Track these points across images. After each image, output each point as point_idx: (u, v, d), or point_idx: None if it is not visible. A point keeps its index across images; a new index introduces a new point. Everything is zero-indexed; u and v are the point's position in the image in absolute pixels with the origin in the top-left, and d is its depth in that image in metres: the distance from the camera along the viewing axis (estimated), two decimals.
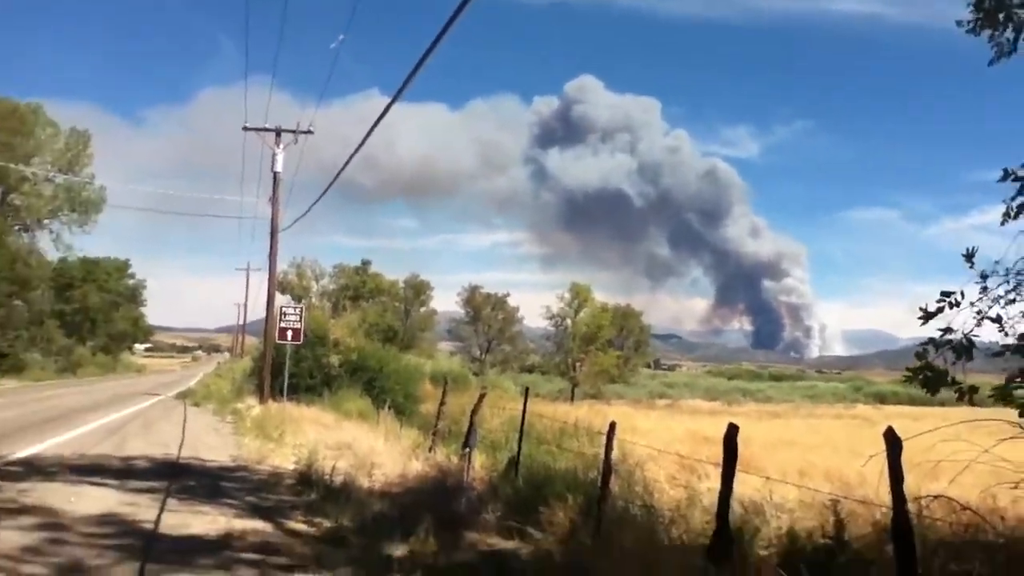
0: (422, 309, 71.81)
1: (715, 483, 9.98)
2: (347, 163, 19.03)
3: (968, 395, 4.98)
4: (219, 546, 7.95)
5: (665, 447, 15.96)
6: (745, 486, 8.48)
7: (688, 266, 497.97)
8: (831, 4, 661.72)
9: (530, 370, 77.42)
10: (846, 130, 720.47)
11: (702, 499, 9.64)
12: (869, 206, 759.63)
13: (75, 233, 54.93)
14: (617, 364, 72.90)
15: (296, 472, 12.68)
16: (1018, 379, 5.03)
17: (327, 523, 9.04)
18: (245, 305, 77.63)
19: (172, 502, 10.07)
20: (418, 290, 71.27)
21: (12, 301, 50.18)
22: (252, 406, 25.19)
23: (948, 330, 5.20)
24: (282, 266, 48.84)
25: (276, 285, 30.34)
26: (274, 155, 27.87)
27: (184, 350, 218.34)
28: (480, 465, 11.97)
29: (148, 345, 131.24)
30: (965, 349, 5.13)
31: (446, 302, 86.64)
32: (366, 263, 69.33)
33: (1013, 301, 5.31)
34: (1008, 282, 5.35)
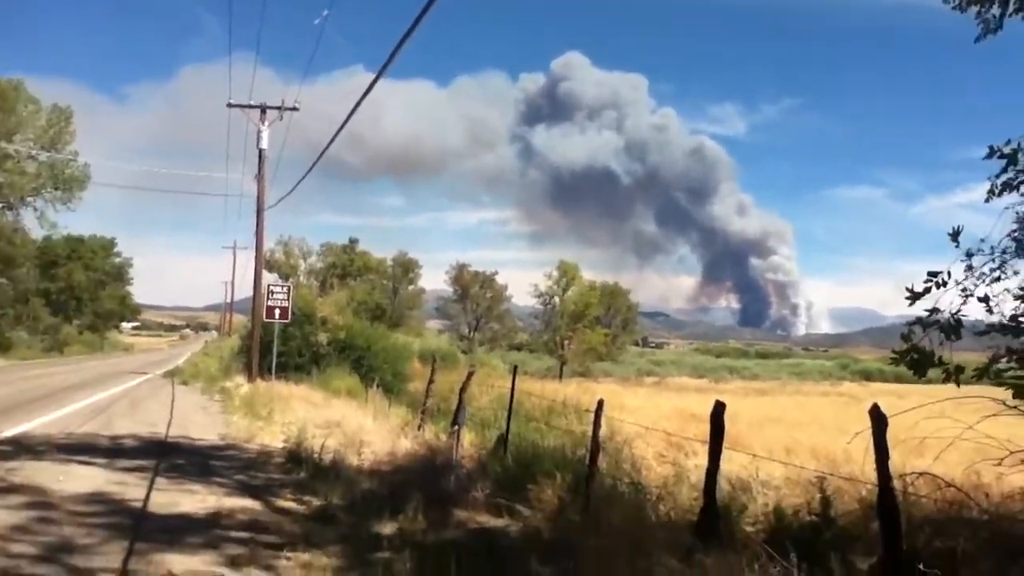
0: (410, 287, 71.72)
1: (702, 460, 10.05)
2: (332, 140, 18.91)
3: (955, 376, 5.00)
4: (208, 524, 7.96)
5: (653, 424, 16.04)
6: (732, 463, 8.55)
7: (675, 244, 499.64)
8: None
9: (518, 348, 77.57)
10: (832, 108, 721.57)
11: (689, 476, 9.71)
12: (855, 184, 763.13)
13: (59, 211, 54.45)
14: (605, 342, 73.06)
15: (285, 450, 12.68)
16: (1003, 358, 5.06)
17: (316, 501, 9.06)
18: (232, 283, 77.53)
19: (161, 481, 10.06)
20: (406, 268, 71.13)
21: None
22: (240, 384, 25.14)
23: (935, 310, 5.21)
24: (269, 244, 48.66)
25: (263, 263, 30.24)
26: (259, 132, 27.65)
27: (172, 328, 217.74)
28: (469, 443, 12.02)
29: (135, 324, 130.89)
30: (953, 329, 5.14)
31: (434, 280, 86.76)
32: (354, 241, 69.13)
33: (998, 279, 5.33)
34: (993, 260, 5.37)
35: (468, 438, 12.08)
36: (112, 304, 79.06)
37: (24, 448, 11.98)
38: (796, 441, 15.84)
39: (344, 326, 29.28)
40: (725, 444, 6.88)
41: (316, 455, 11.30)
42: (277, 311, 25.62)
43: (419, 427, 14.26)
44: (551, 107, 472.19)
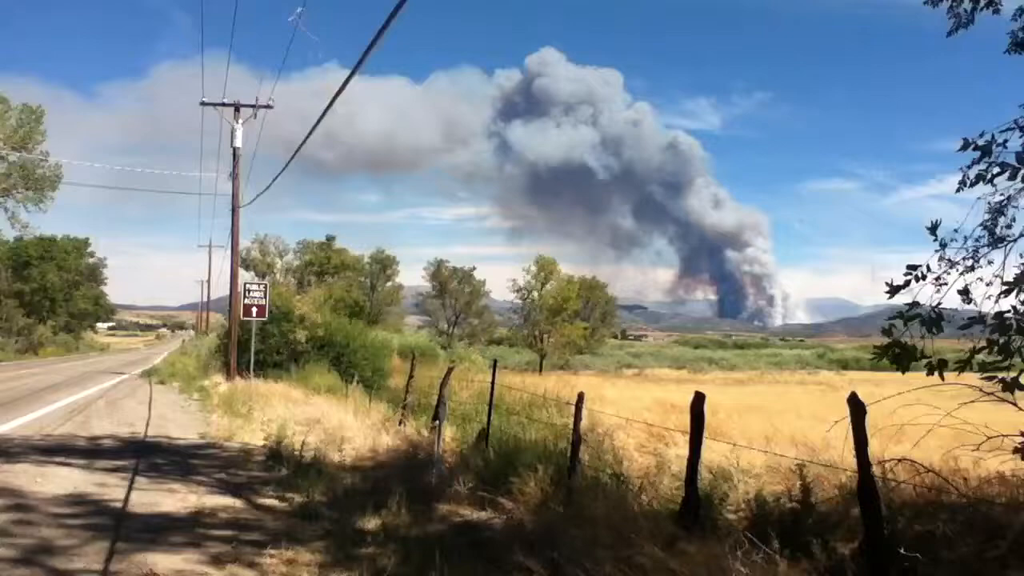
0: (388, 284, 71.49)
1: (683, 450, 10.13)
2: (307, 137, 18.75)
3: (939, 369, 5.03)
4: (190, 524, 7.92)
5: (633, 416, 16.13)
6: (713, 452, 8.63)
7: (652, 237, 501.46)
8: None
9: (498, 343, 77.64)
10: (805, 101, 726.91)
11: (670, 466, 9.78)
12: (829, 177, 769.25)
13: (31, 211, 53.78)
14: (584, 335, 73.22)
15: (266, 448, 12.63)
16: (984, 350, 5.10)
17: (298, 498, 9.03)
18: (208, 282, 76.82)
19: (141, 481, 9.99)
20: (384, 265, 70.90)
21: None
22: (219, 383, 25.01)
23: (915, 304, 5.25)
24: (245, 243, 48.32)
25: (239, 262, 30.07)
26: (233, 130, 27.47)
27: (148, 328, 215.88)
28: (450, 437, 12.02)
29: (111, 324, 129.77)
30: (934, 322, 5.18)
31: (412, 276, 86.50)
32: (331, 238, 68.66)
33: (972, 268, 5.39)
34: (967, 250, 5.42)
35: (449, 433, 12.08)
36: (86, 304, 78.32)
37: (0, 451, 11.85)
38: (775, 429, 15.96)
39: (322, 323, 29.18)
40: (706, 434, 6.93)
41: (297, 452, 11.26)
42: (254, 309, 25.49)
43: (400, 423, 14.25)
44: (527, 103, 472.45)
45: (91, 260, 79.65)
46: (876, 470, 5.20)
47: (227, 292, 28.81)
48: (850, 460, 6.06)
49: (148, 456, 12.00)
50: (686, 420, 6.98)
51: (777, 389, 42.04)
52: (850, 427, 5.13)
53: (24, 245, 67.21)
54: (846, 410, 5.15)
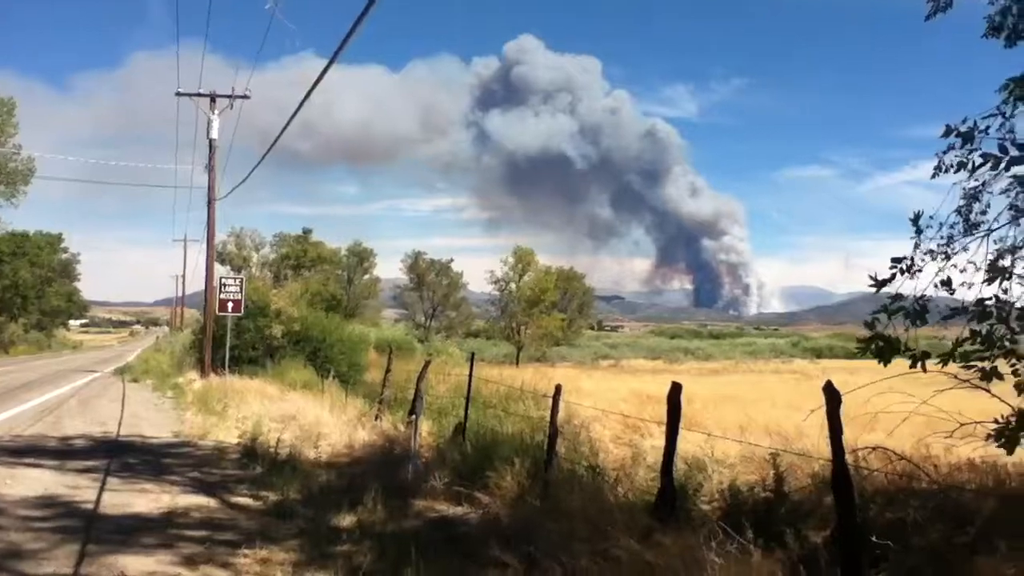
0: (365, 277, 71.07)
1: (658, 441, 10.15)
2: (285, 128, 18.57)
3: (921, 361, 5.05)
4: (163, 524, 7.85)
5: (609, 407, 16.16)
6: (687, 443, 8.64)
7: (629, 227, 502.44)
8: None
9: (475, 335, 77.54)
10: (782, 88, 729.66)
11: (646, 457, 9.81)
12: (805, 164, 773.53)
13: (3, 206, 53.01)
14: (561, 327, 73.26)
15: (240, 446, 12.54)
16: (967, 340, 5.12)
17: (273, 496, 8.97)
18: (183, 277, 76.12)
19: (113, 481, 9.89)
20: (361, 257, 70.49)
21: None
22: (193, 380, 24.81)
23: (899, 296, 5.26)
24: (221, 236, 47.81)
25: (215, 256, 29.80)
26: (209, 121, 27.16)
27: (121, 325, 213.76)
28: (427, 432, 11.99)
29: (84, 321, 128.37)
30: (918, 314, 5.20)
31: (390, 269, 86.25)
32: (307, 231, 68.12)
33: (947, 256, 5.41)
34: (942, 237, 5.45)
35: (426, 427, 12.05)
36: (59, 301, 77.31)
37: None
38: (750, 419, 16.05)
39: (299, 318, 28.97)
40: (681, 424, 6.95)
41: (272, 449, 11.20)
42: (230, 304, 25.28)
43: (376, 418, 14.19)
44: (505, 91, 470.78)
45: (64, 256, 78.62)
46: (849, 458, 5.22)
47: (202, 287, 28.56)
48: (823, 449, 6.09)
49: (121, 456, 11.87)
50: (661, 411, 6.99)
51: (752, 378, 42.36)
52: (825, 416, 5.15)
53: None
54: (820, 399, 5.17)
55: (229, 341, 25.44)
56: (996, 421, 5.10)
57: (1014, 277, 5.17)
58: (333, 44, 10.91)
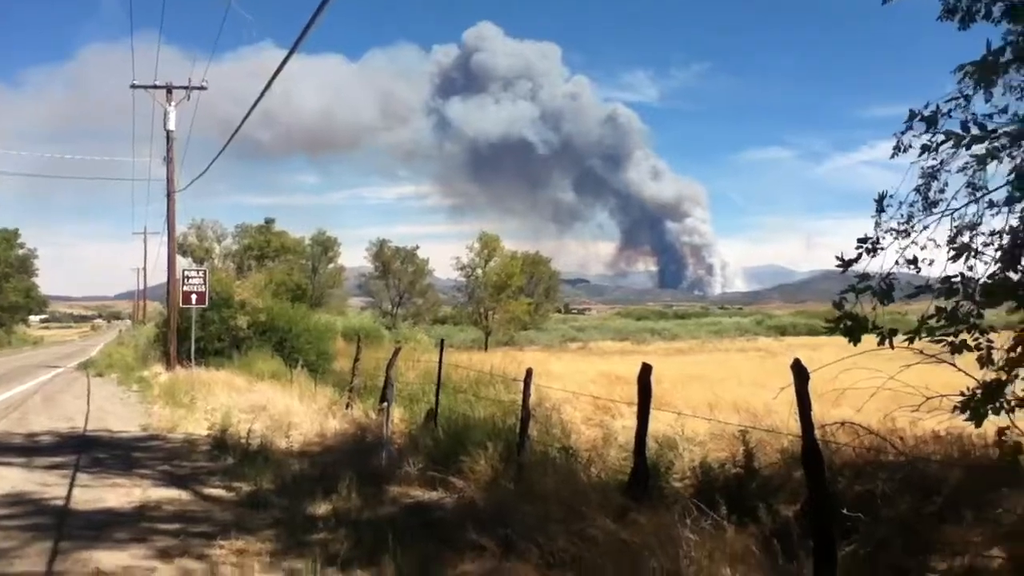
0: (330, 266, 70.58)
1: (628, 421, 10.26)
2: (245, 119, 18.34)
3: (889, 339, 5.14)
4: (136, 518, 7.79)
5: (579, 389, 16.28)
6: (658, 422, 8.74)
7: (593, 211, 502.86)
8: None
9: (443, 321, 77.39)
10: (741, 72, 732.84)
11: (617, 437, 9.92)
12: (765, 146, 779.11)
13: None
14: (528, 311, 73.36)
15: (210, 437, 12.46)
16: (933, 317, 5.22)
17: (246, 487, 8.94)
18: (144, 270, 75.12)
19: (83, 477, 9.78)
20: (325, 247, 69.98)
21: None
22: (159, 373, 24.55)
23: (866, 276, 5.35)
24: (182, 228, 47.21)
25: (176, 248, 29.46)
26: (166, 113, 26.84)
27: (83, 319, 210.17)
28: (399, 419, 12.00)
29: (44, 316, 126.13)
30: (885, 293, 5.29)
31: (355, 257, 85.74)
32: (269, 221, 67.50)
33: (907, 233, 5.51)
34: (902, 215, 5.55)
35: (398, 414, 12.06)
36: (17, 297, 75.95)
37: None
38: (718, 397, 16.24)
39: (264, 308, 28.77)
40: (651, 404, 7.02)
41: (243, 440, 11.13)
42: (193, 296, 25.07)
43: (347, 406, 14.17)
44: (465, 79, 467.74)
45: (21, 251, 77.23)
46: (818, 433, 5.32)
47: (165, 280, 28.24)
48: (791, 425, 6.21)
49: (89, 451, 11.74)
50: (631, 392, 7.07)
51: (718, 357, 42.73)
52: (794, 393, 5.23)
53: None
54: (786, 376, 5.24)
55: (194, 333, 25.23)
56: (962, 394, 5.22)
57: (978, 255, 5.29)
58: (290, 34, 10.84)
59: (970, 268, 5.25)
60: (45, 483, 9.36)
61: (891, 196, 5.53)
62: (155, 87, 26.82)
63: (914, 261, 5.34)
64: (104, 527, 7.39)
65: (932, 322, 5.23)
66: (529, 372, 9.01)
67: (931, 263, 5.36)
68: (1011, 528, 4.79)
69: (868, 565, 4.89)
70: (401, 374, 14.96)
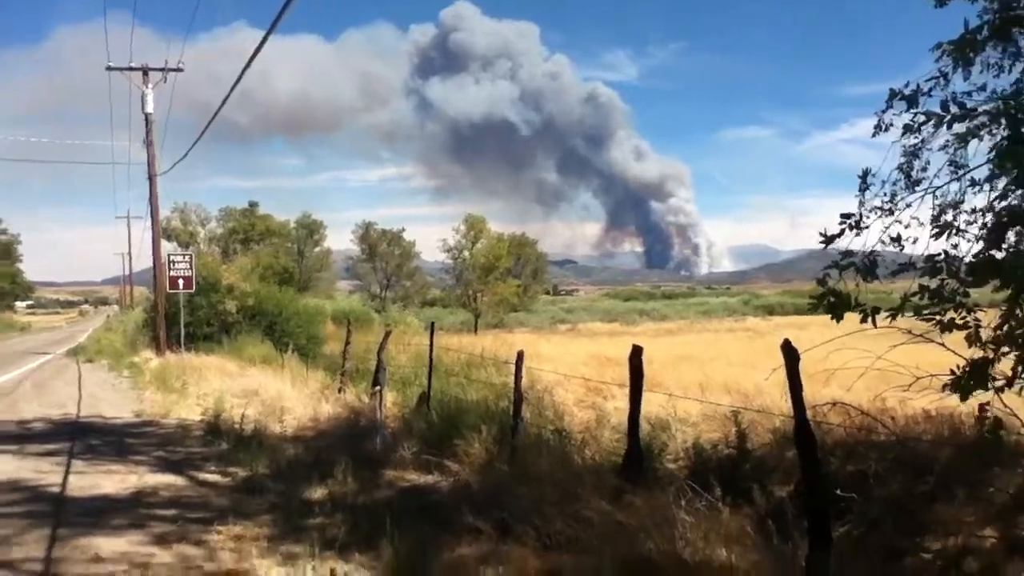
0: (316, 249, 70.30)
1: (620, 403, 10.31)
2: (224, 101, 18.17)
3: (872, 316, 5.17)
4: (133, 504, 7.82)
5: (570, 371, 16.32)
6: (650, 404, 8.80)
7: (578, 191, 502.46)
8: None
9: (432, 304, 77.32)
10: (719, 50, 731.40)
11: (610, 419, 9.97)
12: (745, 125, 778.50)
13: None
14: (517, 293, 73.44)
15: (204, 423, 12.48)
16: (916, 295, 5.26)
17: (242, 472, 8.97)
18: (129, 255, 74.85)
19: (78, 463, 9.79)
20: (311, 230, 69.66)
21: None
22: (149, 359, 24.50)
23: (849, 252, 5.38)
24: (165, 212, 46.99)
25: (160, 232, 29.32)
26: (143, 95, 26.64)
27: (69, 305, 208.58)
28: (392, 402, 12.03)
29: (30, 302, 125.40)
30: (868, 270, 5.32)
31: (341, 240, 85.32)
32: (253, 205, 67.14)
33: (891, 212, 5.55)
34: (885, 194, 5.59)
35: (390, 398, 12.09)
36: (2, 283, 75.55)
37: None
38: (708, 378, 16.31)
39: (252, 292, 28.68)
40: (643, 385, 7.07)
41: (237, 425, 11.16)
42: (181, 281, 24.98)
43: (339, 390, 14.20)
44: (444, 58, 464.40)
45: (4, 237, 76.73)
46: (809, 414, 5.37)
47: (151, 264, 28.11)
48: (782, 405, 6.26)
49: (83, 438, 11.74)
50: (622, 373, 7.10)
51: (707, 337, 42.89)
52: (785, 374, 5.28)
53: None
54: (775, 355, 5.26)
55: (183, 318, 25.15)
56: (952, 372, 5.26)
57: (961, 233, 5.33)
58: (264, 14, 10.78)
59: (954, 246, 5.29)
60: (40, 470, 9.36)
61: (873, 175, 5.55)
62: (131, 69, 26.64)
63: (898, 239, 5.37)
64: (101, 513, 7.42)
65: (916, 300, 5.27)
66: (520, 355, 9.04)
67: (914, 241, 5.39)
68: (1003, 507, 4.87)
69: (862, 545, 4.97)
70: (392, 357, 14.98)
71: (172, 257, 26.08)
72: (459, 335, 32.92)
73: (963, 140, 5.45)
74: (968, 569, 4.69)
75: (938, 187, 5.53)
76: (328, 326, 30.75)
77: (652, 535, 5.17)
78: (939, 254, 5.32)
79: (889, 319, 5.13)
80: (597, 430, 9.32)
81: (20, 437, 11.86)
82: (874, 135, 5.72)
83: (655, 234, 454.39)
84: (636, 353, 7.01)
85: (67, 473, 9.20)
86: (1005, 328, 5.18)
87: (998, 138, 5.32)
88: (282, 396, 13.75)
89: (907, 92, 5.42)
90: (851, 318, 5.26)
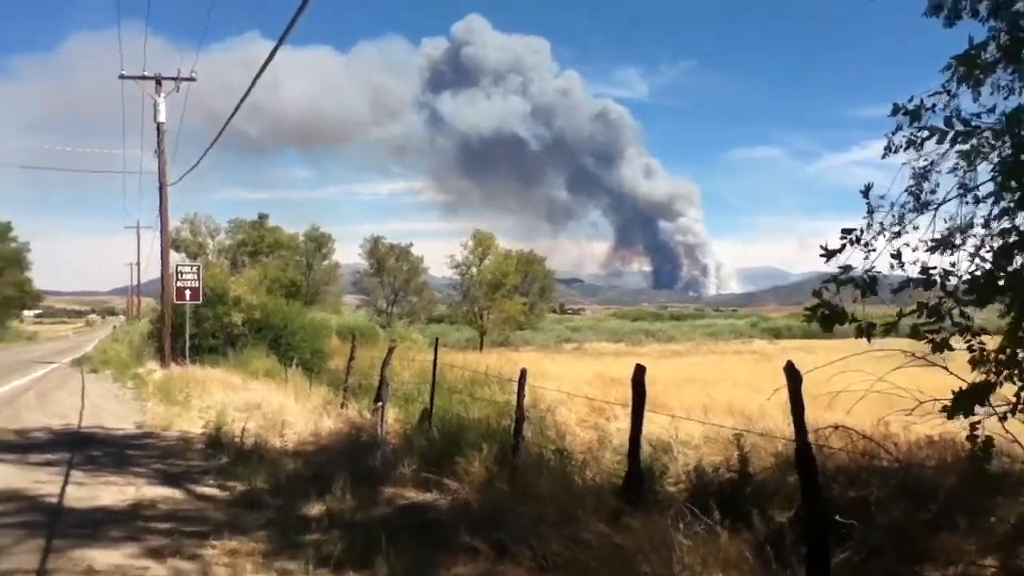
0: (324, 262, 70.41)
1: (623, 423, 10.25)
2: (235, 111, 18.32)
3: (867, 332, 5.12)
4: (130, 517, 7.79)
5: (574, 390, 16.27)
6: (652, 424, 8.75)
7: (587, 209, 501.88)
8: None
9: (438, 320, 77.32)
10: (729, 69, 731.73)
11: (612, 440, 9.90)
12: (755, 145, 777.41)
13: None
14: (523, 310, 73.40)
15: (205, 436, 12.44)
16: (913, 312, 5.21)
17: (240, 486, 8.93)
18: (138, 265, 75.05)
19: (77, 474, 9.77)
20: (319, 243, 69.80)
21: None
22: (153, 370, 24.51)
23: (848, 268, 5.33)
24: (174, 223, 47.21)
25: (169, 243, 29.39)
26: (155, 104, 26.69)
27: (77, 314, 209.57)
28: (393, 419, 11.99)
29: (38, 311, 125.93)
30: (868, 285, 5.27)
31: (349, 254, 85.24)
32: (263, 217, 67.35)
33: (899, 234, 5.51)
34: (893, 215, 5.55)
35: (392, 414, 12.04)
36: (11, 291, 75.73)
37: None
38: (712, 400, 16.23)
39: (259, 305, 28.68)
40: (646, 406, 7.02)
41: (237, 439, 11.12)
42: (187, 292, 24.99)
43: (342, 405, 14.16)
44: (455, 73, 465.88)
45: (13, 245, 76.97)
46: (811, 437, 5.31)
47: (158, 275, 28.15)
48: (785, 428, 6.21)
49: (83, 448, 11.72)
50: (625, 393, 7.06)
51: (713, 359, 42.84)
52: (788, 396, 5.22)
53: None
54: (780, 378, 5.22)
55: (188, 330, 25.16)
56: (953, 393, 5.20)
57: (961, 251, 5.29)
58: (277, 24, 10.87)
59: (952, 264, 5.25)
60: (38, 480, 9.34)
61: (882, 197, 5.52)
62: (144, 78, 26.60)
63: (898, 255, 5.33)
64: (98, 525, 7.39)
65: (914, 318, 5.21)
66: (523, 373, 9.00)
67: (915, 262, 5.35)
68: (1004, 537, 4.80)
69: (861, 572, 4.90)
70: (396, 373, 14.96)
71: (180, 268, 26.13)
72: (464, 352, 32.91)
73: (966, 157, 5.42)
74: None
75: (942, 202, 5.50)
76: (333, 341, 30.72)
77: (649, 558, 5.11)
78: (934, 267, 5.27)
79: (882, 334, 5.06)
80: (599, 451, 9.25)
81: (22, 447, 11.85)
82: (884, 156, 5.70)
83: (663, 253, 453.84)
84: (639, 372, 6.96)
85: (65, 484, 9.17)
86: (1007, 352, 5.11)
87: (1002, 153, 5.29)
88: (284, 410, 13.72)
89: (911, 107, 5.40)
90: (857, 341, 5.21)
